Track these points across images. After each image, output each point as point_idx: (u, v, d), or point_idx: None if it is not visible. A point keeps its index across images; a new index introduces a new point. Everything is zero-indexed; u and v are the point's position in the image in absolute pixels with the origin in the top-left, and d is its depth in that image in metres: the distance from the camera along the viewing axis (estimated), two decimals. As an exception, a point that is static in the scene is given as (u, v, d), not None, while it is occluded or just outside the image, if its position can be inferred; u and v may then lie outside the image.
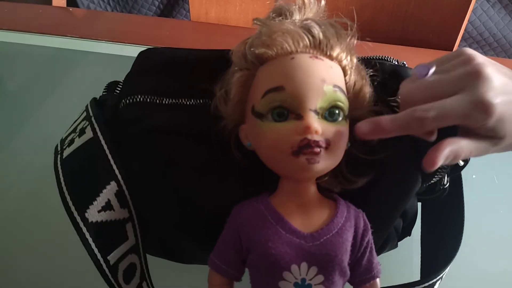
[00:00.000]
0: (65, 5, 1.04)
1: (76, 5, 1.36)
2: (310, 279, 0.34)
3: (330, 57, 0.37)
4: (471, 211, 0.50)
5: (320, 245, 0.34)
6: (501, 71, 0.35)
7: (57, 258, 0.54)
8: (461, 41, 1.36)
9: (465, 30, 1.32)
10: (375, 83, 0.40)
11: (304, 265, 0.34)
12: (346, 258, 0.35)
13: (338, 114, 0.35)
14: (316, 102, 0.34)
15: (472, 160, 0.49)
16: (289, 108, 0.34)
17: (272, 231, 0.35)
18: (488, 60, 0.35)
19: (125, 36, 0.85)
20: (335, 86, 0.35)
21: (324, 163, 0.34)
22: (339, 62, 0.37)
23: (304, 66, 0.35)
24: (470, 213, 0.49)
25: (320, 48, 0.36)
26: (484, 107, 0.32)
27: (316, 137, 0.33)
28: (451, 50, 0.87)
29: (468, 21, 1.31)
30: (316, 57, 0.36)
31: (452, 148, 0.34)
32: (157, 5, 1.39)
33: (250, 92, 0.37)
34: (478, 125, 0.34)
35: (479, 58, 0.35)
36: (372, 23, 0.90)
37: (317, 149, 0.33)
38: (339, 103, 0.35)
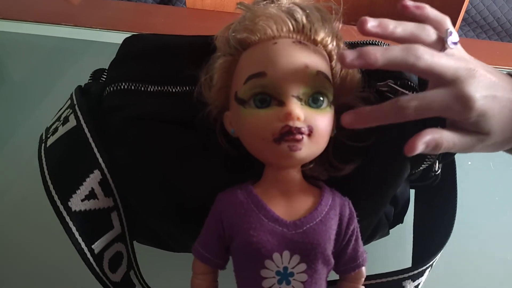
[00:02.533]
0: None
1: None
2: (293, 268, 0.34)
3: (315, 42, 0.36)
4: (466, 197, 0.50)
5: (302, 233, 0.34)
6: (492, 73, 0.36)
7: (43, 248, 0.54)
8: (465, 25, 1.34)
9: (468, 14, 1.30)
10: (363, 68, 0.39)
11: (286, 253, 0.34)
12: (329, 247, 0.35)
13: (322, 100, 0.34)
14: (299, 88, 0.34)
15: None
16: (271, 94, 0.34)
17: (254, 219, 0.34)
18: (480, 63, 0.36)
19: (120, 23, 0.84)
20: (318, 71, 0.34)
21: (307, 151, 0.34)
22: (324, 47, 0.37)
23: (286, 51, 0.34)
24: (465, 200, 0.49)
25: (304, 32, 0.36)
26: (465, 100, 0.33)
27: (298, 124, 0.33)
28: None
29: (472, 5, 1.28)
30: (300, 42, 0.35)
31: (433, 137, 0.35)
32: (156, -8, 1.38)
33: (233, 78, 0.37)
34: (459, 119, 0.35)
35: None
36: (370, 7, 0.89)
37: (299, 136, 0.33)
38: (323, 89, 0.34)
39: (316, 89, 0.34)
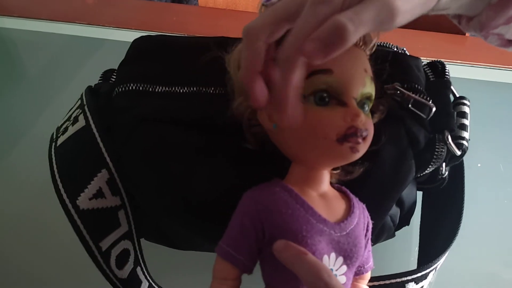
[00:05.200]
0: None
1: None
2: (336, 269, 0.34)
3: (366, 48, 0.36)
4: (475, 200, 0.49)
5: (347, 236, 0.34)
6: None
7: (52, 244, 0.55)
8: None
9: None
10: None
11: (333, 255, 0.33)
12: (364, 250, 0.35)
13: (367, 105, 0.35)
14: (358, 91, 0.33)
15: (478, 149, 0.47)
16: (333, 93, 0.33)
17: (303, 219, 0.33)
18: None
19: (133, 22, 0.85)
20: (371, 77, 0.35)
21: (361, 153, 0.33)
22: (369, 53, 0.37)
23: (352, 53, 0.34)
24: (473, 202, 0.48)
25: (364, 39, 0.35)
26: None
27: (361, 126, 0.33)
28: (464, 34, 0.84)
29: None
30: (360, 46, 0.35)
31: None
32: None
33: None
34: None
35: None
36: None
37: (361, 139, 0.32)
38: (371, 95, 0.35)
39: (367, 94, 0.34)
